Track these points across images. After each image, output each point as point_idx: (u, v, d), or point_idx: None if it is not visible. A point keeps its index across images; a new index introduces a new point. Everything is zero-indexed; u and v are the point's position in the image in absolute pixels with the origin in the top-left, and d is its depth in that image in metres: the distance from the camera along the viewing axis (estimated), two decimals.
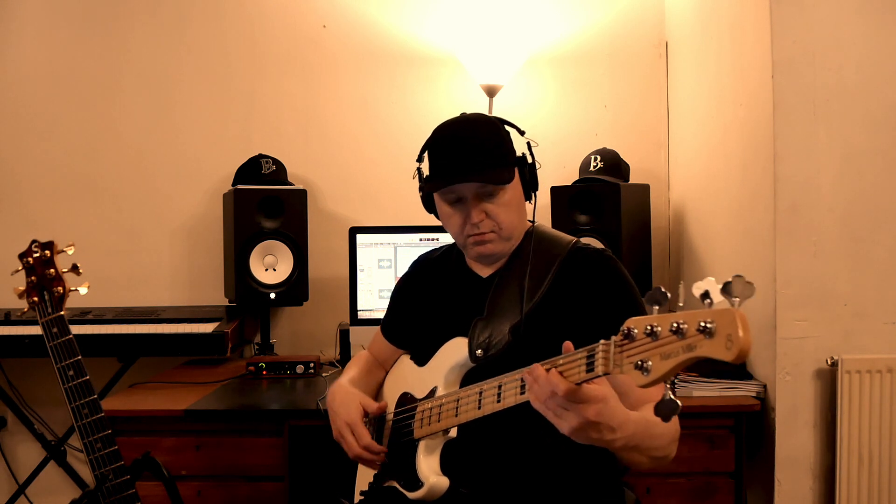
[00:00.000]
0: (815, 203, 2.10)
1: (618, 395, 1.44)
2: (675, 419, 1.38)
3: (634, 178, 2.82)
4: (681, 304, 1.07)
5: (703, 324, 1.00)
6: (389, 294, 2.70)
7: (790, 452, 2.12)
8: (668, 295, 1.08)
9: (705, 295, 1.02)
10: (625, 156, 2.79)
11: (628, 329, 1.10)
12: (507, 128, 1.63)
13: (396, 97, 3.06)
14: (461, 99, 3.01)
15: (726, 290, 1.00)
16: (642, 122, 3.05)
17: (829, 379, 2.11)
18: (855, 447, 2.06)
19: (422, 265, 1.81)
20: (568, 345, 1.24)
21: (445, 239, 2.12)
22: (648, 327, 1.07)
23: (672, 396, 1.06)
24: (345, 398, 1.68)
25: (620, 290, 1.55)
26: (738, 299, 0.99)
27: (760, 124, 2.18)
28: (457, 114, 1.63)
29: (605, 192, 2.65)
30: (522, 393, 1.29)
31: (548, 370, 1.22)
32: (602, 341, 1.16)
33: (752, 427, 2.20)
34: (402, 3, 3.05)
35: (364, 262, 2.70)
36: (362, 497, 1.66)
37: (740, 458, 2.16)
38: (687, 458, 2.14)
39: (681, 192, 2.96)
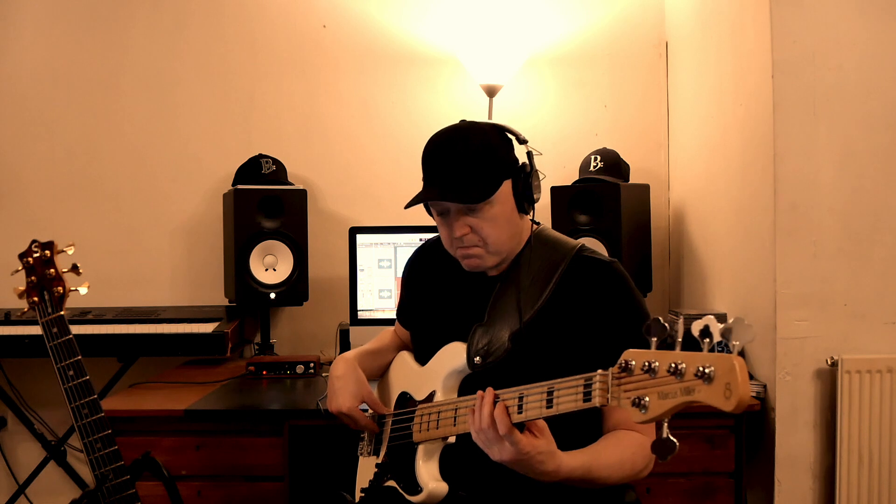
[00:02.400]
0: (815, 203, 2.10)
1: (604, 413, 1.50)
2: (643, 454, 1.44)
3: (634, 178, 2.81)
4: (679, 340, 1.05)
5: (701, 368, 0.98)
6: (390, 294, 2.76)
7: (790, 452, 2.12)
8: (667, 328, 1.06)
9: (704, 333, 1.00)
10: (625, 156, 2.79)
11: (626, 362, 1.09)
12: (510, 135, 1.58)
13: (396, 97, 3.06)
14: (461, 99, 3.01)
15: (726, 333, 0.98)
16: (642, 122, 3.05)
17: (829, 379, 2.11)
18: (855, 447, 2.06)
19: (430, 250, 1.78)
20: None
21: None
22: (646, 363, 1.05)
23: (669, 436, 1.04)
24: (345, 382, 1.68)
25: (624, 303, 1.53)
26: (737, 343, 0.97)
27: (760, 124, 2.18)
28: (456, 114, 1.62)
29: (605, 192, 2.65)
30: (520, 412, 1.30)
31: (496, 402, 1.31)
32: (600, 371, 1.17)
33: (752, 427, 2.20)
34: (402, 3, 3.05)
35: (364, 262, 2.70)
36: (363, 494, 1.66)
37: (740, 458, 2.15)
38: (687, 458, 2.14)
39: (681, 192, 2.96)
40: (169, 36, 3.05)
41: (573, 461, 1.35)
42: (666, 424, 1.05)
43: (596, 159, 2.74)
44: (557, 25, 3.05)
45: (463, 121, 1.60)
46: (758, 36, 2.19)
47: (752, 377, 2.24)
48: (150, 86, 3.05)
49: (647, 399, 1.04)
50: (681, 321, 1.06)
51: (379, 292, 2.70)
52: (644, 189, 2.82)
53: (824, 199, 2.10)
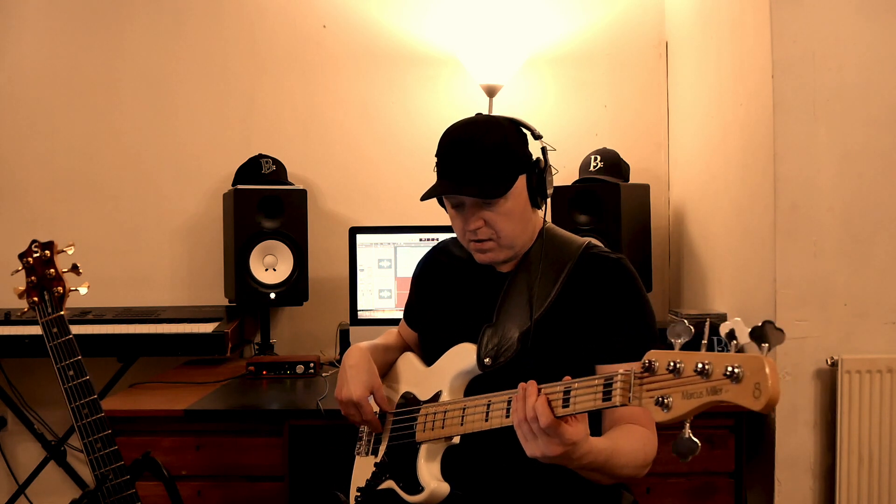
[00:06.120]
0: (815, 203, 2.10)
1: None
2: (651, 448, 1.43)
3: (634, 178, 2.82)
4: (704, 342, 1.04)
5: (730, 368, 0.97)
6: (390, 294, 2.76)
7: (790, 452, 2.12)
8: (692, 330, 1.06)
9: (731, 335, 1.00)
10: (625, 156, 2.79)
11: (649, 362, 1.09)
12: (526, 131, 1.59)
13: (396, 97, 3.06)
14: (461, 99, 3.01)
15: (755, 334, 0.97)
16: (642, 122, 3.05)
17: (829, 379, 2.11)
18: (855, 447, 2.06)
19: (441, 252, 1.78)
20: (567, 379, 1.26)
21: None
22: (671, 363, 1.04)
23: (691, 436, 1.04)
24: (358, 371, 1.65)
25: (629, 300, 1.54)
26: (766, 346, 0.97)
27: (760, 124, 2.18)
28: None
29: (605, 192, 2.65)
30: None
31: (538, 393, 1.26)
32: (622, 371, 1.15)
33: (752, 427, 2.20)
34: (402, 3, 3.05)
35: (364, 262, 2.70)
36: (359, 493, 1.66)
37: (740, 458, 2.16)
38: None
39: (681, 192, 2.96)
40: (168, 36, 3.05)
41: (599, 443, 1.34)
42: (688, 424, 1.05)
43: (596, 159, 2.74)
44: (557, 25, 3.05)
45: (479, 114, 1.60)
46: (758, 36, 2.19)
47: None
48: (149, 85, 3.05)
49: (670, 399, 1.04)
50: (707, 324, 1.06)
51: (379, 292, 2.70)
52: (644, 189, 2.82)
53: (824, 199, 2.10)
